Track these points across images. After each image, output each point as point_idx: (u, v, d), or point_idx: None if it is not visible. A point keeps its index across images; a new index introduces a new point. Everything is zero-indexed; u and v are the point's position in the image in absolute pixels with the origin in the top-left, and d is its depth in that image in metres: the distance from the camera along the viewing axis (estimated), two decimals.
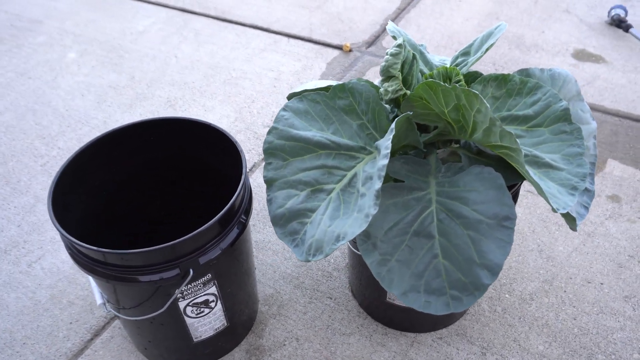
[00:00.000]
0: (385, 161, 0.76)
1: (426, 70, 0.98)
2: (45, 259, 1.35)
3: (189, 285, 0.93)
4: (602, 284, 1.26)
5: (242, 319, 1.13)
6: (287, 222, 0.88)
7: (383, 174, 0.76)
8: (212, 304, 1.00)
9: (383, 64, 0.85)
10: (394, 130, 0.78)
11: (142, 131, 1.08)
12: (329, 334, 1.18)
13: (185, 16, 2.27)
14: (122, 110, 1.79)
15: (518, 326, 1.19)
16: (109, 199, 1.13)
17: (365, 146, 0.89)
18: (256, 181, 1.53)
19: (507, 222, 0.79)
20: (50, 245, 1.38)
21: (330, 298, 1.25)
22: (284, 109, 0.91)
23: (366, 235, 0.84)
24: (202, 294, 0.97)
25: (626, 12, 2.10)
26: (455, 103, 0.80)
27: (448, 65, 1.00)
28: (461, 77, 0.88)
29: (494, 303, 1.23)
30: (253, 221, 1.42)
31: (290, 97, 1.02)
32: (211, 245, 0.91)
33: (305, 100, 0.91)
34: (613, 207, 1.43)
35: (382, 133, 0.90)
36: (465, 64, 0.95)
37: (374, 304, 1.18)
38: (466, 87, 0.75)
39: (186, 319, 0.99)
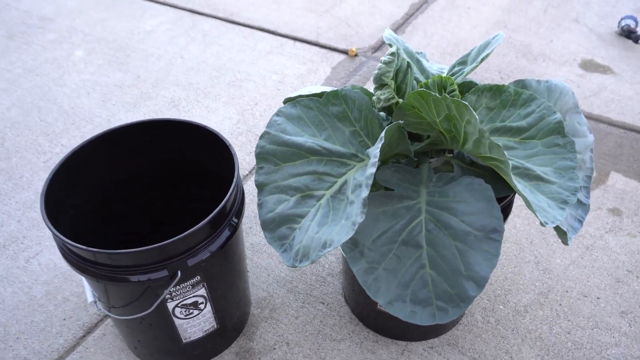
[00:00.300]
0: (373, 170, 0.76)
1: (422, 79, 0.98)
2: (43, 255, 1.36)
3: (178, 287, 0.93)
4: (598, 298, 1.25)
5: (232, 321, 1.13)
6: (276, 227, 0.88)
7: (370, 182, 0.76)
8: (202, 306, 1.01)
9: (376, 71, 0.85)
10: (383, 138, 0.78)
11: (138, 132, 1.09)
12: (320, 339, 1.18)
13: (194, 17, 2.28)
14: (126, 110, 1.80)
15: (511, 338, 1.18)
16: (107, 198, 1.14)
17: (357, 153, 0.89)
18: (254, 185, 1.53)
19: (494, 234, 0.79)
20: (48, 241, 1.39)
21: (323, 303, 1.25)
22: (277, 114, 0.91)
23: (354, 243, 0.84)
24: (191, 296, 0.97)
25: (636, 22, 2.08)
26: (446, 113, 0.79)
27: (445, 74, 1.00)
28: (455, 87, 0.87)
29: (488, 314, 1.22)
30: (249, 224, 1.42)
31: (286, 102, 1.02)
32: (200, 247, 0.91)
33: (298, 105, 0.91)
34: (614, 220, 1.42)
35: (375, 141, 0.90)
36: (462, 74, 0.95)
37: (366, 311, 1.17)
38: (456, 98, 0.75)
39: (175, 319, 1.00)
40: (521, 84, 0.94)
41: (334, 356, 1.15)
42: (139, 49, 2.10)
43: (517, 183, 0.79)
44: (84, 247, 0.85)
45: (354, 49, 2.03)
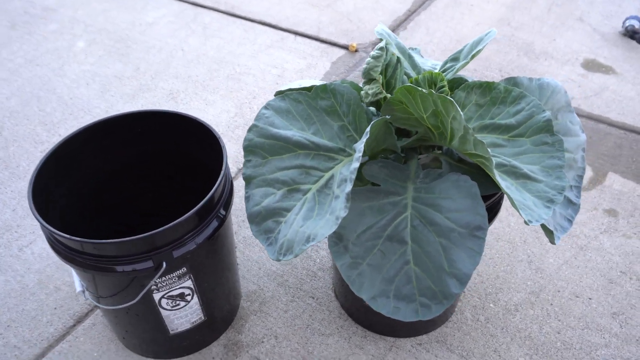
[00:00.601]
0: (357, 164, 0.75)
1: (413, 75, 0.97)
2: (36, 243, 1.37)
3: (163, 278, 0.94)
4: (590, 299, 1.24)
5: (221, 313, 1.13)
6: (262, 220, 0.88)
7: (354, 177, 0.75)
8: (188, 297, 1.01)
9: (364, 66, 0.84)
10: (368, 133, 0.77)
11: (129, 123, 1.09)
12: (308, 333, 1.18)
13: (196, 9, 2.28)
14: (125, 101, 1.81)
15: (500, 337, 1.17)
16: (99, 188, 1.14)
17: (344, 148, 0.89)
18: None
19: (478, 232, 0.78)
20: (42, 230, 1.40)
21: (313, 298, 1.24)
22: (266, 107, 0.91)
23: (338, 237, 0.84)
24: (177, 287, 0.97)
25: None
26: (433, 109, 0.79)
27: (438, 70, 0.99)
28: (445, 83, 0.87)
29: (478, 312, 1.21)
30: (242, 217, 1.42)
31: (277, 95, 1.01)
32: (187, 238, 0.91)
33: (287, 99, 0.91)
34: (609, 221, 1.40)
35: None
36: (453, 70, 0.94)
37: (355, 306, 1.17)
38: (442, 94, 0.74)
39: (161, 310, 1.00)
40: (512, 81, 0.93)
41: (321, 350, 1.15)
42: (140, 41, 2.10)
43: (503, 181, 0.78)
44: (69, 236, 0.85)
45: (354, 45, 2.02)
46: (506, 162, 0.82)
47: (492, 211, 0.95)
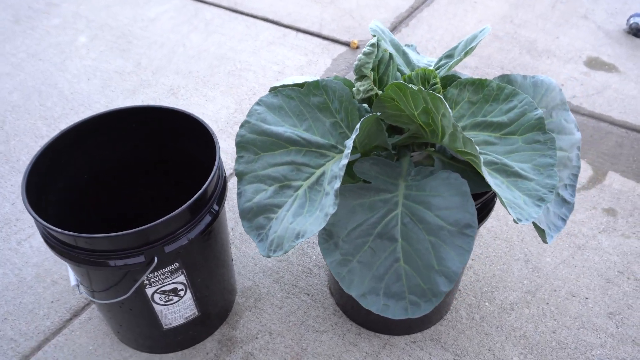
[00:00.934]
0: (345, 161, 0.75)
1: (407, 72, 0.97)
2: (34, 237, 1.38)
3: (156, 273, 0.94)
4: (587, 298, 1.23)
5: (216, 309, 1.14)
6: (254, 217, 0.88)
7: (342, 173, 0.75)
8: (181, 293, 1.01)
9: (356, 62, 0.84)
10: (358, 130, 0.77)
11: (125, 118, 1.09)
12: (302, 330, 1.18)
13: (198, 5, 2.28)
14: (125, 96, 1.81)
15: (495, 335, 1.17)
16: (93, 183, 1.14)
17: (336, 145, 0.88)
18: None
19: (468, 229, 0.78)
20: (35, 225, 1.41)
21: (308, 294, 1.25)
22: (258, 103, 0.91)
23: (328, 234, 0.84)
24: (169, 282, 0.97)
25: None
26: (424, 106, 0.78)
27: (432, 67, 0.99)
28: (437, 80, 0.86)
29: (473, 310, 1.21)
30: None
31: (271, 91, 1.01)
32: (179, 234, 0.91)
33: (280, 95, 0.91)
34: (608, 220, 1.40)
35: None
36: (446, 67, 0.93)
37: (350, 303, 1.17)
38: (432, 91, 0.74)
39: (155, 305, 1.00)
40: (506, 79, 0.92)
41: (315, 347, 1.15)
42: (142, 36, 2.10)
43: (493, 179, 0.78)
44: (61, 230, 0.86)
45: (356, 41, 2.02)
46: (497, 160, 0.81)
47: (485, 209, 0.94)
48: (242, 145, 0.90)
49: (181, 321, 1.07)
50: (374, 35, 0.94)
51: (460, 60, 0.90)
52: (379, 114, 0.82)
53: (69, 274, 1.07)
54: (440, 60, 0.98)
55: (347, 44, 2.04)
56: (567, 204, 0.94)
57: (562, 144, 0.93)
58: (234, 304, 1.22)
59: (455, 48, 0.98)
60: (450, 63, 0.91)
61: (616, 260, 1.30)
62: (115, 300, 0.96)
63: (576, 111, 1.73)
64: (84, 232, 0.88)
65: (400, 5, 2.26)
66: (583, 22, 2.14)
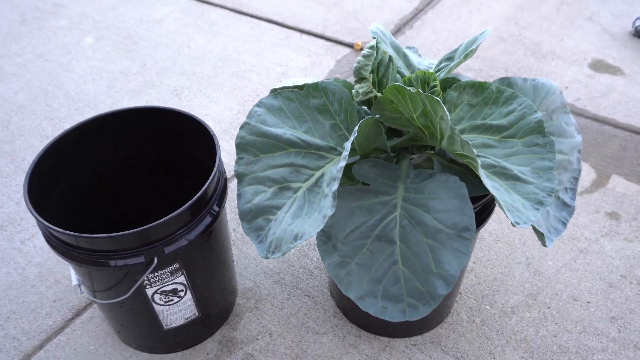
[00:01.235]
0: (343, 163, 0.75)
1: (407, 74, 0.97)
2: (38, 237, 1.39)
3: (155, 273, 0.94)
4: (588, 302, 1.23)
5: (216, 310, 1.14)
6: (253, 218, 0.88)
7: (340, 175, 0.75)
8: (181, 293, 1.02)
9: (355, 65, 0.84)
10: (356, 132, 0.77)
11: (127, 118, 1.10)
12: (303, 331, 1.18)
13: (203, 6, 2.29)
14: (130, 97, 1.82)
15: (495, 339, 1.16)
16: (95, 183, 1.15)
17: (335, 147, 0.89)
18: None
19: (465, 232, 0.78)
20: (37, 225, 1.42)
21: (309, 296, 1.25)
22: (258, 105, 0.91)
23: (327, 236, 0.84)
24: (169, 283, 0.98)
25: None
26: (422, 108, 0.78)
27: (433, 70, 0.99)
28: (437, 83, 0.86)
29: (474, 314, 1.21)
30: None
31: (272, 92, 1.02)
32: (179, 234, 0.92)
33: (280, 97, 0.91)
34: (611, 224, 1.39)
35: None
36: (446, 69, 0.93)
37: (350, 305, 1.17)
38: (430, 94, 0.74)
39: (155, 306, 1.01)
40: (506, 81, 0.92)
41: (315, 349, 1.15)
42: (148, 37, 2.11)
43: (491, 182, 0.78)
44: (62, 230, 0.86)
45: (360, 43, 2.02)
46: (496, 163, 0.81)
47: (485, 212, 0.94)
48: (241, 146, 0.90)
49: (181, 322, 1.07)
50: (374, 38, 0.94)
51: (461, 62, 0.90)
52: (377, 116, 0.82)
53: (70, 273, 1.07)
54: (440, 62, 0.98)
55: (350, 46, 2.04)
56: (567, 208, 0.94)
57: (563, 147, 0.93)
58: (235, 305, 1.23)
59: (455, 50, 0.97)
60: (450, 65, 0.91)
61: (619, 264, 1.30)
62: (115, 300, 0.96)
63: (580, 114, 1.72)
64: (86, 232, 0.88)
65: (404, 7, 2.26)
66: (588, 24, 2.13)
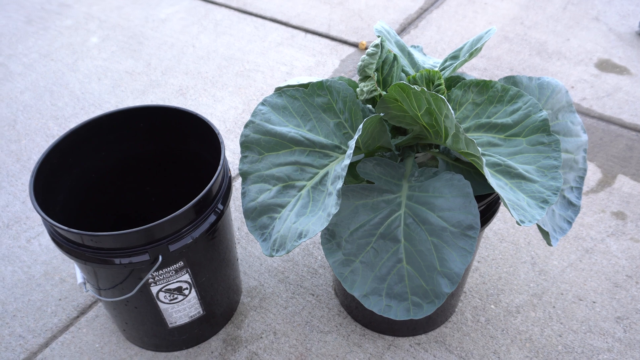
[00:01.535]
0: (347, 161, 0.75)
1: (412, 72, 0.97)
2: (44, 235, 1.40)
3: (160, 271, 0.95)
4: (594, 302, 1.22)
5: (220, 308, 1.14)
6: (258, 216, 0.89)
7: (344, 174, 0.75)
8: (186, 292, 1.02)
9: (360, 63, 0.84)
10: (361, 130, 0.77)
11: (132, 117, 1.10)
12: (307, 330, 1.18)
13: (208, 6, 2.30)
14: (135, 96, 1.83)
15: (500, 338, 1.16)
16: (100, 182, 1.16)
17: (340, 145, 0.89)
18: None
19: (470, 231, 0.78)
20: (43, 223, 1.43)
21: (313, 295, 1.25)
22: (262, 103, 0.91)
23: (331, 234, 0.84)
24: (174, 281, 0.98)
25: None
26: (427, 107, 0.78)
27: (438, 68, 0.99)
28: (441, 81, 0.86)
29: (478, 313, 1.20)
30: None
31: (276, 91, 1.02)
32: (184, 232, 0.92)
33: (284, 95, 0.91)
34: (617, 224, 1.38)
35: None
36: (451, 67, 0.93)
37: (354, 303, 1.17)
38: (434, 92, 0.74)
39: (159, 304, 1.01)
40: (512, 80, 0.92)
41: (320, 347, 1.15)
42: (152, 37, 2.12)
43: (497, 180, 0.77)
44: (67, 228, 0.87)
45: (364, 42, 2.02)
46: (501, 161, 0.81)
47: (490, 210, 0.94)
48: (246, 145, 0.90)
49: (186, 320, 1.08)
50: (379, 36, 0.94)
51: (466, 61, 0.90)
52: (382, 114, 0.82)
53: (76, 272, 1.08)
54: (445, 61, 0.97)
55: (355, 45, 2.04)
56: (573, 207, 0.94)
57: (568, 146, 0.92)
58: (239, 304, 1.23)
59: (460, 49, 0.97)
60: (455, 64, 0.91)
61: (625, 264, 1.29)
62: (120, 298, 0.97)
63: (586, 113, 1.72)
64: (91, 230, 0.89)
65: (409, 6, 2.26)
66: (594, 23, 2.12)
